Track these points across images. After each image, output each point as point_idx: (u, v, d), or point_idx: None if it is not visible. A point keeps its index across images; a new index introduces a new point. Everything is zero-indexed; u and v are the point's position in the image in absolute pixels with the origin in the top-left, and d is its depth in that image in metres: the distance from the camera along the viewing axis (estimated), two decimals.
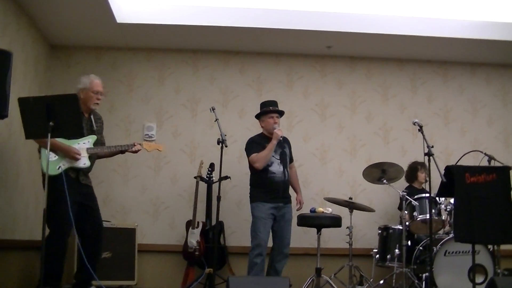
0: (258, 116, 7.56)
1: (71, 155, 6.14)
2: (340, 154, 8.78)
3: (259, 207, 7.16)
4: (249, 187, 7.43)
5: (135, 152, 6.63)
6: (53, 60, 8.55)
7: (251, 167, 7.34)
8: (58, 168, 6.07)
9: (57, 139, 5.97)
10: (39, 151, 6.14)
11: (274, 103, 7.56)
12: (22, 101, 5.53)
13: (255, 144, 7.37)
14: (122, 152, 6.61)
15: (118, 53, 8.77)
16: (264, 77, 8.90)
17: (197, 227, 7.89)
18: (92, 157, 6.39)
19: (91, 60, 8.67)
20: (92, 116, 6.51)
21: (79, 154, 6.20)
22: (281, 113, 7.57)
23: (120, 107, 8.59)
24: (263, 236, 7.10)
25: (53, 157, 6.04)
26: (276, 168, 7.29)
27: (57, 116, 5.43)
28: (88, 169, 6.40)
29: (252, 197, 7.31)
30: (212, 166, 8.08)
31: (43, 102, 5.50)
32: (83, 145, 6.27)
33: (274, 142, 7.24)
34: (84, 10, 7.40)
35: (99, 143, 6.51)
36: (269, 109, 7.46)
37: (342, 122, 8.86)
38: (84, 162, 6.27)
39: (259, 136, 7.53)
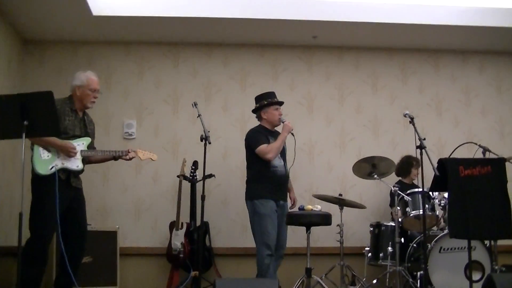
0: (259, 109, 7.48)
1: (67, 151, 6.07)
2: (329, 148, 8.76)
3: (263, 204, 7.09)
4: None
5: (129, 159, 6.59)
6: (26, 55, 8.48)
7: (255, 161, 7.27)
8: (51, 168, 5.99)
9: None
10: (32, 149, 6.05)
11: (275, 95, 7.54)
12: None
13: (261, 135, 7.31)
14: (115, 158, 6.55)
15: (95, 47, 8.70)
16: (248, 70, 8.87)
17: (181, 228, 7.84)
18: (85, 160, 6.33)
19: (66, 55, 8.60)
20: (85, 117, 6.46)
21: (75, 149, 6.14)
22: (280, 105, 7.56)
23: (98, 104, 8.23)
24: (272, 234, 7.04)
25: (46, 156, 6.00)
26: (277, 161, 7.26)
27: (32, 115, 5.36)
28: (81, 172, 6.34)
29: (253, 193, 7.22)
30: (195, 164, 8.01)
31: (16, 100, 5.40)
32: (77, 146, 6.20)
33: (285, 134, 7.29)
34: (58, 3, 7.33)
35: (92, 147, 6.46)
36: (274, 101, 7.45)
37: (330, 115, 8.84)
38: (77, 164, 6.19)
39: (260, 127, 7.46)
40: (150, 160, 6.79)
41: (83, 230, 6.40)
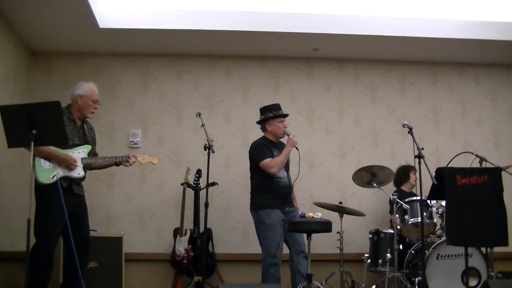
0: (264, 120, 7.38)
1: (67, 163, 6.10)
2: (329, 158, 8.79)
3: (268, 214, 7.02)
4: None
5: (130, 165, 6.58)
6: (34, 67, 8.52)
7: (258, 172, 7.18)
8: (53, 177, 6.02)
9: (51, 147, 5.97)
10: (33, 159, 6.06)
11: (280, 107, 7.47)
12: (3, 110, 5.47)
13: (265, 148, 7.22)
14: (117, 164, 6.55)
15: (101, 59, 8.74)
16: (250, 81, 8.91)
17: (185, 235, 7.88)
18: (86, 167, 6.35)
19: (73, 67, 8.63)
20: (85, 125, 6.48)
21: (75, 161, 6.16)
22: (285, 117, 7.47)
23: (104, 114, 8.48)
24: (278, 245, 7.00)
25: (47, 165, 6.03)
26: (281, 172, 7.18)
27: (40, 124, 5.40)
28: (82, 179, 6.37)
29: (258, 204, 7.14)
30: (199, 172, 8.03)
31: (25, 110, 5.45)
32: (77, 154, 6.21)
33: (289, 148, 7.17)
34: (65, 16, 7.36)
35: (93, 153, 6.48)
36: (279, 113, 7.37)
37: (330, 126, 8.87)
38: (78, 172, 6.21)
39: (264, 140, 7.35)
40: (150, 164, 6.79)
41: (87, 237, 6.41)
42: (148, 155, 6.73)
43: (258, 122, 7.50)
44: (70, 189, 6.21)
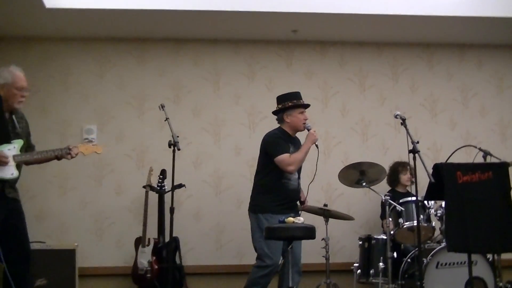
0: (282, 110, 7.17)
1: None
2: (312, 154, 8.60)
3: (268, 220, 6.79)
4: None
5: (72, 157, 6.32)
6: None
7: (269, 168, 6.99)
8: None
9: None
10: None
11: (300, 96, 7.27)
12: None
13: (283, 142, 7.01)
14: (58, 158, 6.31)
15: (50, 44, 8.64)
16: (222, 68, 8.85)
17: (148, 245, 7.80)
18: (20, 166, 6.09)
19: (17, 53, 8.49)
20: (14, 116, 6.19)
21: (7, 158, 5.87)
22: (306, 108, 7.29)
23: (54, 108, 8.48)
24: (275, 256, 6.86)
25: None
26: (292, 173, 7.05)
27: None
28: (16, 180, 6.12)
29: (259, 206, 6.97)
30: (163, 173, 7.99)
31: None
32: (7, 151, 5.95)
33: (309, 144, 7.03)
34: None
35: (27, 147, 6.21)
36: (300, 103, 7.18)
37: (313, 117, 8.56)
38: (11, 172, 5.92)
39: (280, 132, 7.16)
40: (95, 153, 6.55)
41: (26, 248, 6.14)
42: (91, 144, 6.49)
43: (274, 112, 7.30)
44: (3, 193, 5.94)
